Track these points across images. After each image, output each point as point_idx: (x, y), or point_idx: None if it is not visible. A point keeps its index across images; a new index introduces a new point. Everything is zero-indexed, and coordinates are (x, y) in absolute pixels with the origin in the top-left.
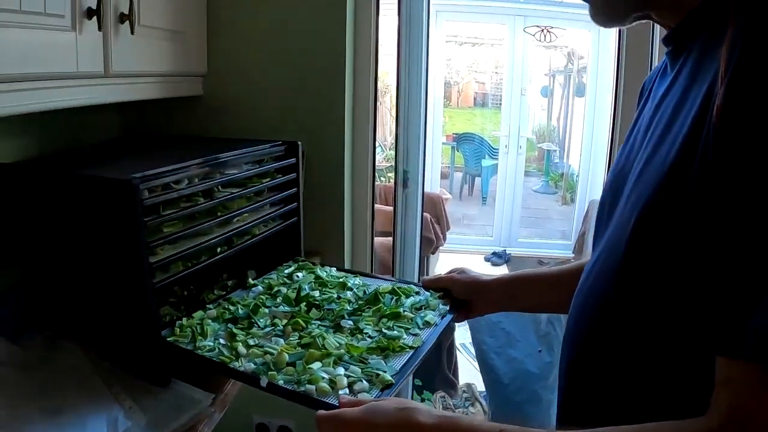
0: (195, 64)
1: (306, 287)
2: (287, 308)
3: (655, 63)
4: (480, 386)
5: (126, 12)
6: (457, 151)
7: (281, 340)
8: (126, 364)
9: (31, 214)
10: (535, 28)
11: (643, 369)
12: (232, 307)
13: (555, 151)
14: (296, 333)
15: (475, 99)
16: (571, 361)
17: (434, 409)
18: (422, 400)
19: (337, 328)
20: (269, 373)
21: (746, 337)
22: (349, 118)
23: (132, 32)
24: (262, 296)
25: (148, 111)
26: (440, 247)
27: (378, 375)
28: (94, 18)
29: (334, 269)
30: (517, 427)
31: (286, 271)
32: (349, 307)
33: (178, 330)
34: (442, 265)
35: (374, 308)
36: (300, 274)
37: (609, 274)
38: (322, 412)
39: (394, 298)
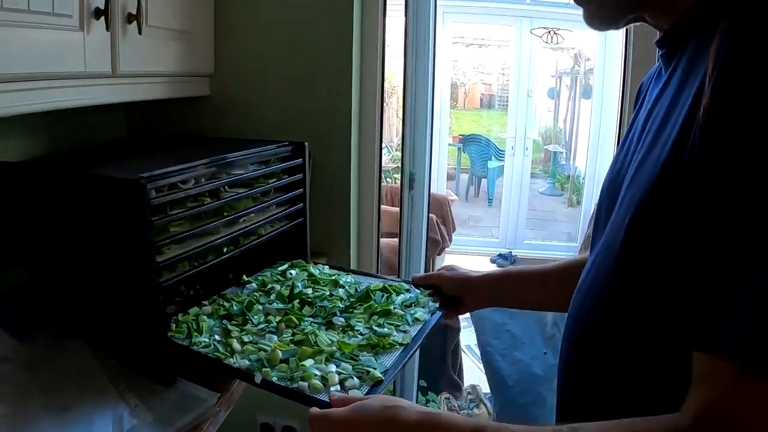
0: (202, 65)
1: (299, 284)
2: (280, 305)
3: None
4: (485, 388)
5: (134, 12)
6: (464, 152)
7: (275, 337)
8: (131, 363)
9: (38, 213)
10: (542, 30)
11: (640, 368)
12: (226, 304)
13: (561, 152)
14: (289, 330)
15: (481, 100)
16: (570, 361)
17: (418, 405)
18: (427, 402)
19: (329, 325)
20: (263, 369)
21: (724, 332)
22: (356, 118)
23: (140, 32)
24: (255, 293)
25: (154, 111)
26: (446, 249)
27: (368, 372)
28: (102, 18)
29: (326, 267)
30: (494, 423)
31: (280, 269)
32: (341, 305)
33: (174, 326)
34: None
35: (365, 305)
36: (293, 272)
37: (605, 275)
38: (313, 410)
39: (385, 295)
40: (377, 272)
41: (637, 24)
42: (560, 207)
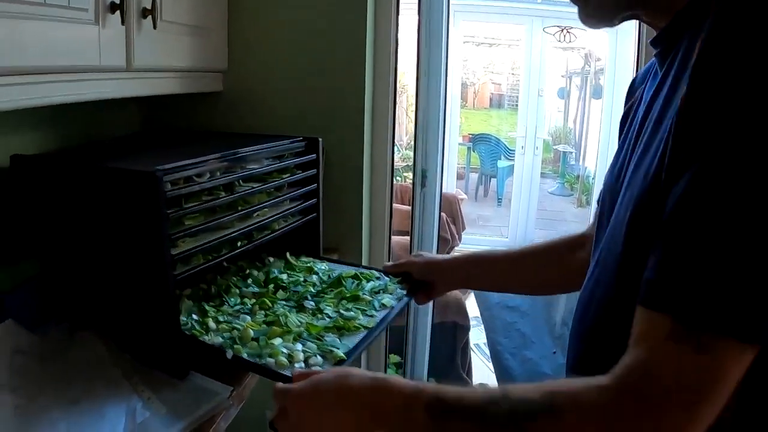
0: (215, 60)
1: (275, 271)
2: (256, 289)
3: None
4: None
5: (149, 7)
6: (473, 151)
7: (248, 318)
8: (144, 356)
9: (52, 206)
10: (555, 28)
11: None
12: (205, 287)
13: (571, 153)
14: (263, 311)
15: (491, 100)
16: (577, 359)
17: (368, 372)
18: None
19: (300, 309)
20: (235, 346)
21: (663, 289)
22: (369, 116)
23: (154, 27)
24: (234, 278)
25: (167, 106)
26: (455, 248)
27: (332, 351)
28: (117, 12)
29: (303, 256)
30: (433, 385)
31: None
32: (313, 290)
33: None
34: None
35: (336, 291)
36: (271, 258)
37: (609, 273)
38: (278, 385)
39: (356, 282)
40: None
41: (644, 24)
42: (569, 207)
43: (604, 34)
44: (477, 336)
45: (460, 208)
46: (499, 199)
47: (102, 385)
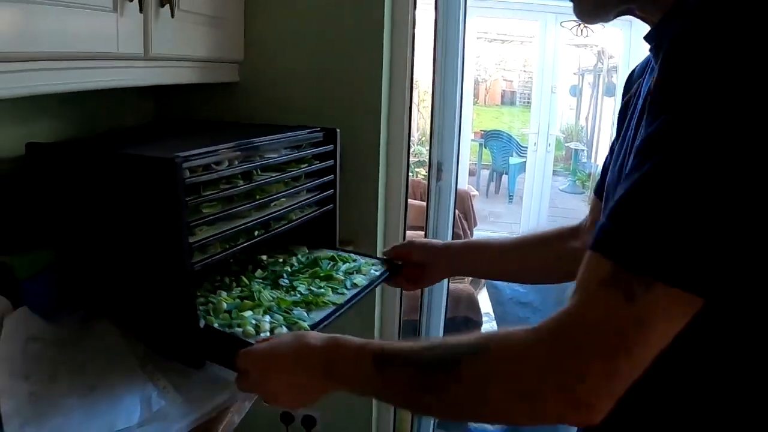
0: (232, 51)
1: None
2: (236, 267)
3: None
4: None
5: None
6: (485, 148)
7: (224, 293)
8: (160, 345)
9: (68, 194)
10: (572, 23)
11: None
12: None
13: (582, 150)
14: (239, 288)
15: (502, 96)
16: None
17: (323, 334)
18: None
19: (275, 286)
20: (207, 317)
21: (608, 233)
22: (385, 108)
23: (172, 15)
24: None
25: (182, 96)
26: None
27: (297, 323)
28: (136, 1)
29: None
30: (378, 341)
31: None
32: (289, 269)
33: None
34: None
35: (312, 271)
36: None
37: None
38: (241, 350)
39: (332, 263)
40: None
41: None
42: (581, 205)
43: (618, 31)
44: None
45: (472, 205)
46: (510, 195)
47: (117, 374)
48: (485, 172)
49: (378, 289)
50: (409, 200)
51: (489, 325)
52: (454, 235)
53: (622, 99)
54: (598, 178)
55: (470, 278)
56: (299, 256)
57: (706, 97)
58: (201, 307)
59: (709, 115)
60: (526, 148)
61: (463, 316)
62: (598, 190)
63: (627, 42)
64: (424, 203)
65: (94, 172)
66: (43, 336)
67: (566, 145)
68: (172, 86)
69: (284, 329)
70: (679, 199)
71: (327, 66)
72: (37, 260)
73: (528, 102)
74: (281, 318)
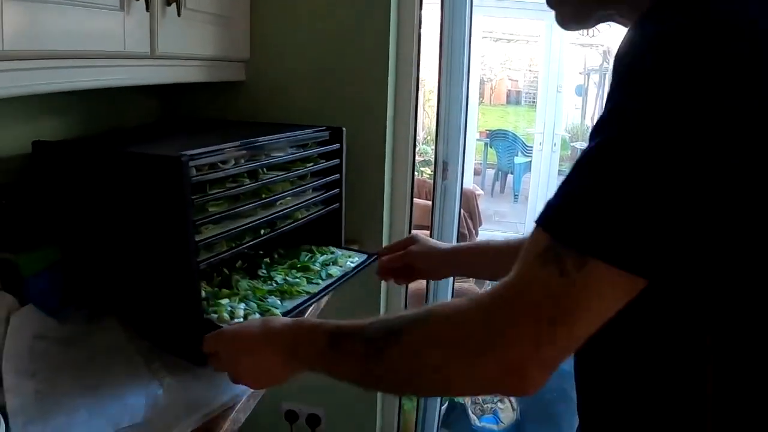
0: (238, 50)
1: None
2: (244, 265)
3: None
4: None
5: None
6: (490, 147)
7: (204, 281)
8: (166, 343)
9: (74, 192)
10: None
11: (649, 357)
12: None
13: None
14: (219, 277)
15: (508, 96)
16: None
17: (288, 318)
18: None
19: (253, 276)
20: None
21: (551, 209)
22: (391, 108)
23: (179, 14)
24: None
25: (189, 95)
26: None
27: (269, 310)
28: None
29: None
30: (333, 321)
31: None
32: (268, 260)
33: None
34: None
35: (290, 262)
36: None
37: None
38: (207, 334)
39: (309, 255)
40: None
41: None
42: None
43: (624, 31)
44: None
45: (477, 204)
46: (515, 195)
47: (122, 371)
48: (490, 172)
49: (383, 288)
50: (414, 199)
51: None
52: (459, 235)
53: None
54: None
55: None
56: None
57: (651, 85)
58: None
59: (650, 100)
60: (532, 147)
61: None
62: None
63: None
64: (429, 202)
65: (101, 170)
66: (49, 334)
67: (572, 144)
68: (179, 85)
69: (257, 316)
70: (615, 177)
71: (333, 65)
72: (43, 258)
73: (533, 101)
74: (255, 305)
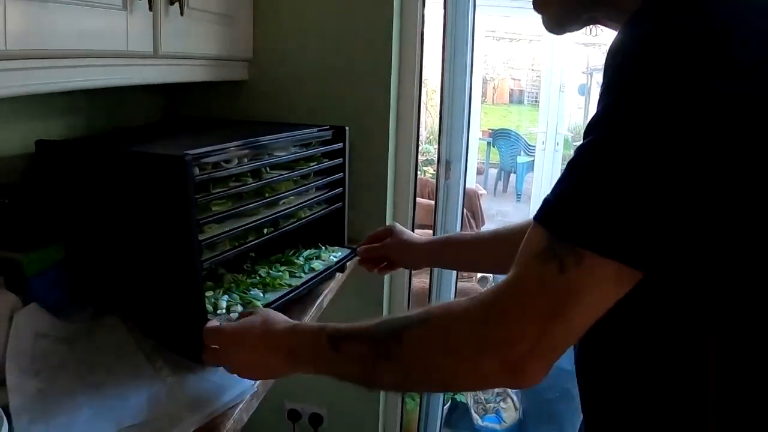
0: (241, 49)
1: None
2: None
3: None
4: None
5: None
6: (493, 147)
7: None
8: (169, 342)
9: (78, 191)
10: None
11: (649, 354)
12: None
13: None
14: (204, 271)
15: (510, 95)
16: (581, 351)
17: (290, 320)
18: (454, 393)
19: (238, 270)
20: None
21: (548, 206)
22: (394, 107)
23: (181, 14)
24: None
25: (192, 95)
26: None
27: (251, 302)
28: None
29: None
30: (335, 323)
31: None
32: (253, 254)
33: None
34: None
35: (275, 257)
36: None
37: None
38: (209, 325)
39: (293, 250)
40: None
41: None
42: None
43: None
44: None
45: (479, 203)
46: (518, 194)
47: (125, 370)
48: (493, 171)
49: (386, 287)
50: (417, 199)
51: None
52: None
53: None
54: None
55: (478, 276)
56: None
57: (642, 82)
58: None
59: (643, 97)
60: (534, 147)
61: None
62: None
63: None
64: (432, 202)
65: (104, 169)
66: (52, 332)
67: (574, 144)
68: (182, 84)
69: (239, 307)
70: (609, 173)
71: (336, 64)
72: (46, 257)
73: (536, 101)
74: (237, 297)
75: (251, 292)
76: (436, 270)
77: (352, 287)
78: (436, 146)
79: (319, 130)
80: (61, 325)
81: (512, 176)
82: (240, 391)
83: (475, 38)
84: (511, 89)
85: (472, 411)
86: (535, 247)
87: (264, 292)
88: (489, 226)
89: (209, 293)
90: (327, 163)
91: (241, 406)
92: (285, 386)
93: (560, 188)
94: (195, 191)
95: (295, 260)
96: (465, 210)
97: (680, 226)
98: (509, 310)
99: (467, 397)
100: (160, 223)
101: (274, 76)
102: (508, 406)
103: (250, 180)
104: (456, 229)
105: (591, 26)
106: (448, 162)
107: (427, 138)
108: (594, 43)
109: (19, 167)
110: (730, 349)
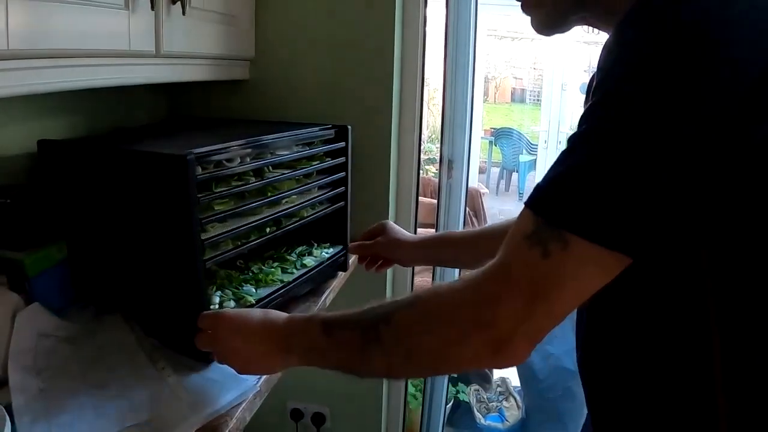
0: (243, 49)
1: None
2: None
3: None
4: (515, 381)
5: None
6: (495, 145)
7: None
8: (172, 341)
9: (80, 190)
10: None
11: (651, 352)
12: None
13: None
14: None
15: (512, 94)
16: (583, 346)
17: (285, 313)
18: (457, 392)
19: (232, 266)
20: None
21: (538, 191)
22: (396, 106)
23: (183, 13)
24: None
25: (193, 94)
26: None
27: (244, 298)
28: None
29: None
30: (326, 312)
31: None
32: (246, 251)
33: None
34: None
35: (267, 254)
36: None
37: None
38: (209, 312)
39: (286, 247)
40: None
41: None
42: None
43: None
44: None
45: (482, 202)
46: (520, 193)
47: (128, 369)
48: (495, 170)
49: (389, 285)
50: (419, 197)
51: None
52: None
53: (584, 104)
54: None
55: None
56: None
57: (631, 78)
58: None
59: (633, 90)
60: (537, 145)
61: None
62: None
63: None
64: (434, 201)
65: (106, 168)
66: (55, 332)
67: None
68: (184, 84)
69: (232, 303)
70: (597, 160)
71: (338, 63)
72: (49, 257)
73: (538, 99)
74: (230, 293)
75: (244, 288)
76: (438, 267)
77: (355, 286)
78: (439, 145)
79: (321, 129)
80: (64, 324)
81: (514, 175)
82: (242, 391)
83: (477, 37)
84: (513, 88)
85: (475, 410)
86: (522, 231)
87: (256, 288)
88: None
89: None
90: (329, 162)
91: (243, 405)
92: (288, 385)
93: (550, 174)
94: (197, 190)
95: (287, 257)
96: (467, 209)
97: (665, 213)
98: (495, 292)
99: (470, 396)
100: (163, 223)
101: (276, 76)
102: (511, 405)
103: (253, 179)
104: (458, 228)
105: (588, 26)
106: (450, 161)
107: (430, 137)
108: (596, 42)
109: (21, 167)
110: (735, 342)
